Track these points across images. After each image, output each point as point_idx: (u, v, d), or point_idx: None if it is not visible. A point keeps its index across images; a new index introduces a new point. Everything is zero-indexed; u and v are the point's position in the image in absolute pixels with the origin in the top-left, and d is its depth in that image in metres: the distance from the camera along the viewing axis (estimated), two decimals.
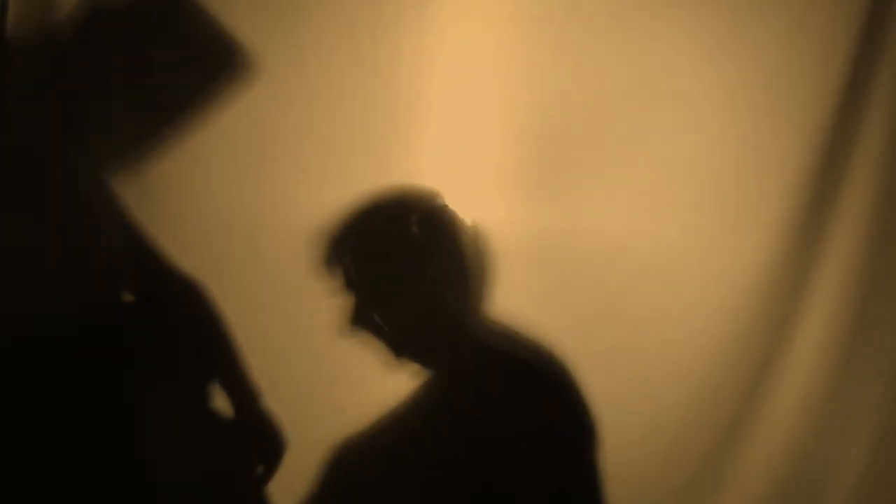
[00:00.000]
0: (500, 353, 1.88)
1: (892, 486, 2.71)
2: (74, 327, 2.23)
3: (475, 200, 2.59)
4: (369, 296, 1.87)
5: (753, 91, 2.70)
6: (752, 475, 2.70)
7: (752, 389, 2.69)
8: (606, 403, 2.52)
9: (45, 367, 2.21)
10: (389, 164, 2.59)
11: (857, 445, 2.72)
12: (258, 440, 2.38)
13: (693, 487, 2.68)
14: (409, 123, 2.60)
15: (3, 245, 2.32)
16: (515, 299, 2.55)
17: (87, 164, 2.43)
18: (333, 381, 2.56)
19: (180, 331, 2.37)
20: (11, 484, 2.17)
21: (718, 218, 2.68)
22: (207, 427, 2.37)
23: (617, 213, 2.66)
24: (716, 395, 2.68)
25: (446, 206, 1.97)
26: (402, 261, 1.86)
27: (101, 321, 2.28)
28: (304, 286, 2.50)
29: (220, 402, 2.41)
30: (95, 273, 2.30)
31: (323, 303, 2.54)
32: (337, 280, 1.94)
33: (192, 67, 2.50)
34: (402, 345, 1.93)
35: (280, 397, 2.48)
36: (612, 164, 2.66)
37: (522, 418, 1.73)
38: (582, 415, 1.81)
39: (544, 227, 2.63)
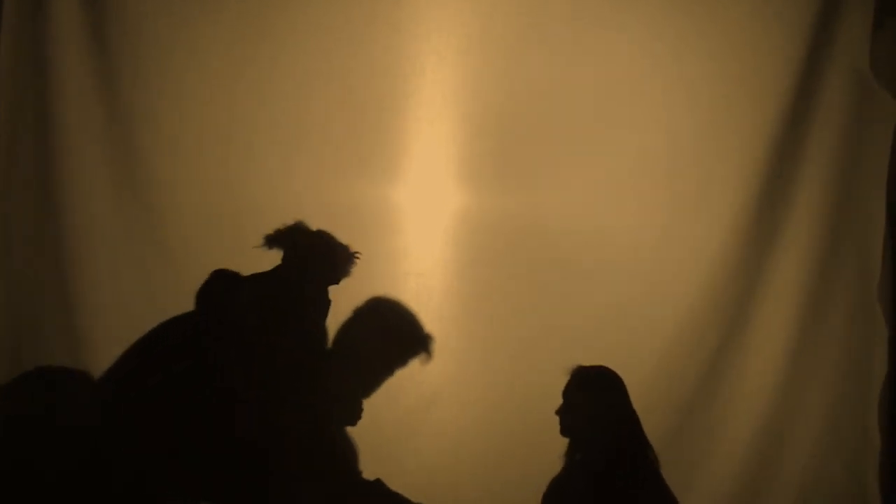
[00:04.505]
0: None
1: (844, 455, 2.84)
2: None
3: (447, 191, 2.76)
4: None
5: (709, 86, 2.82)
6: (714, 452, 2.80)
7: (708, 371, 2.80)
8: None
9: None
10: (369, 159, 2.75)
11: (811, 419, 2.84)
12: None
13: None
14: (385, 119, 2.75)
15: None
16: (483, 283, 2.73)
17: None
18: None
19: None
20: None
21: (673, 207, 2.80)
22: None
23: (577, 204, 2.78)
24: (675, 376, 2.78)
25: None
26: None
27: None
28: None
29: None
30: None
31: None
32: None
33: None
34: None
35: None
36: (573, 155, 2.79)
37: None
38: None
39: (510, 215, 2.76)
